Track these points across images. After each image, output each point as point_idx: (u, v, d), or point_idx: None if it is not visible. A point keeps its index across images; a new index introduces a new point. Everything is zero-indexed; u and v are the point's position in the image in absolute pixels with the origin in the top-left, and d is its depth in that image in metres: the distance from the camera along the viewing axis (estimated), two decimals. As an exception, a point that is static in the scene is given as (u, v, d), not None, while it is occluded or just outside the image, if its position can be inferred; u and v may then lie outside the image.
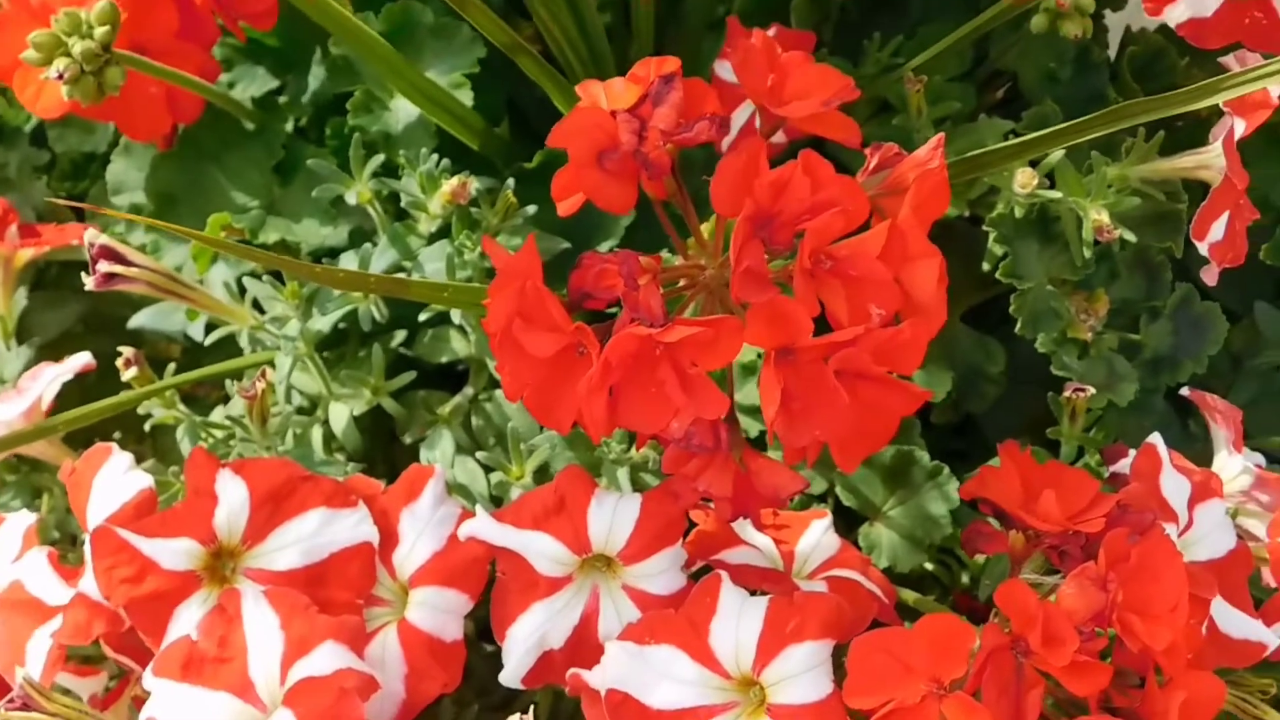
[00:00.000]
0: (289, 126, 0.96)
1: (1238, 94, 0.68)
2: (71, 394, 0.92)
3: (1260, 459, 0.87)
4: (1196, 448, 0.92)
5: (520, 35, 1.00)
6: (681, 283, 0.70)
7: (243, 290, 0.87)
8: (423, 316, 0.86)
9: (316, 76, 0.95)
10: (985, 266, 0.86)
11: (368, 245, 0.86)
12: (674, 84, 0.67)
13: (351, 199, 0.85)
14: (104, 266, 0.78)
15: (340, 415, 0.86)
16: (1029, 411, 0.93)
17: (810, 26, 1.02)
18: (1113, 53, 1.02)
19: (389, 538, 0.74)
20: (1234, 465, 0.84)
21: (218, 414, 0.89)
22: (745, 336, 0.64)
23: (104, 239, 0.78)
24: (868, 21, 1.02)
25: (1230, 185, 0.78)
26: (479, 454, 0.82)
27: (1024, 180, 0.82)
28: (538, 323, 0.65)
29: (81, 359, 0.89)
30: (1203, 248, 0.80)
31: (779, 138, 0.73)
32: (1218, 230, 0.80)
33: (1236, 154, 0.78)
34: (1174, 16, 0.82)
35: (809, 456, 0.67)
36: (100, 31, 0.76)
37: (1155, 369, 0.90)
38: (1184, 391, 0.87)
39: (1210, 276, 0.82)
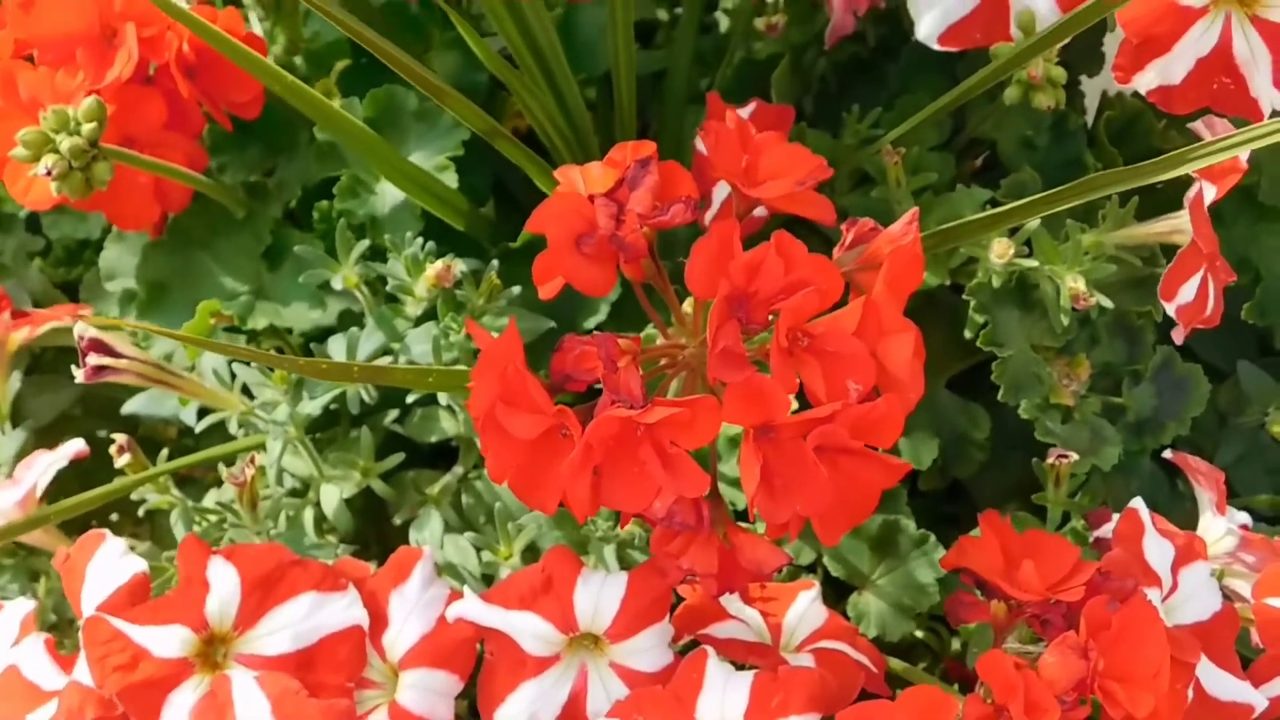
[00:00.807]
0: (278, 210, 0.97)
1: (1206, 163, 0.70)
2: (68, 476, 0.93)
3: (1246, 518, 0.87)
4: (1186, 507, 0.93)
5: (507, 110, 1.03)
6: (663, 361, 0.71)
7: (234, 374, 0.87)
8: (411, 397, 0.87)
9: (304, 160, 0.97)
10: (967, 334, 0.87)
11: (354, 330, 0.87)
12: (650, 168, 0.69)
13: (338, 284, 0.86)
14: (93, 359, 0.79)
15: (331, 497, 0.86)
16: (1016, 475, 0.93)
17: (790, 98, 1.03)
18: (1090, 117, 1.04)
19: (379, 620, 0.75)
20: (1218, 527, 0.84)
21: (212, 496, 0.90)
22: (723, 416, 0.64)
23: (93, 332, 0.79)
24: (847, 92, 1.04)
25: (1196, 249, 0.79)
26: (467, 535, 0.83)
27: (1000, 251, 0.83)
28: (520, 406, 0.66)
29: (75, 446, 0.90)
30: (1171, 309, 0.81)
31: (761, 210, 0.74)
32: (1187, 293, 0.80)
33: (1206, 219, 0.79)
34: (1143, 84, 0.83)
35: (791, 531, 0.67)
36: (87, 128, 0.77)
37: (1139, 432, 0.90)
38: (1167, 454, 0.88)
39: (1178, 337, 0.83)
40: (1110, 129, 0.99)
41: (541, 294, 0.71)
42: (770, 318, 0.65)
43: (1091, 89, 1.04)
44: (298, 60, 1.02)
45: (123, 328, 0.91)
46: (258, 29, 1.27)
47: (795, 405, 0.66)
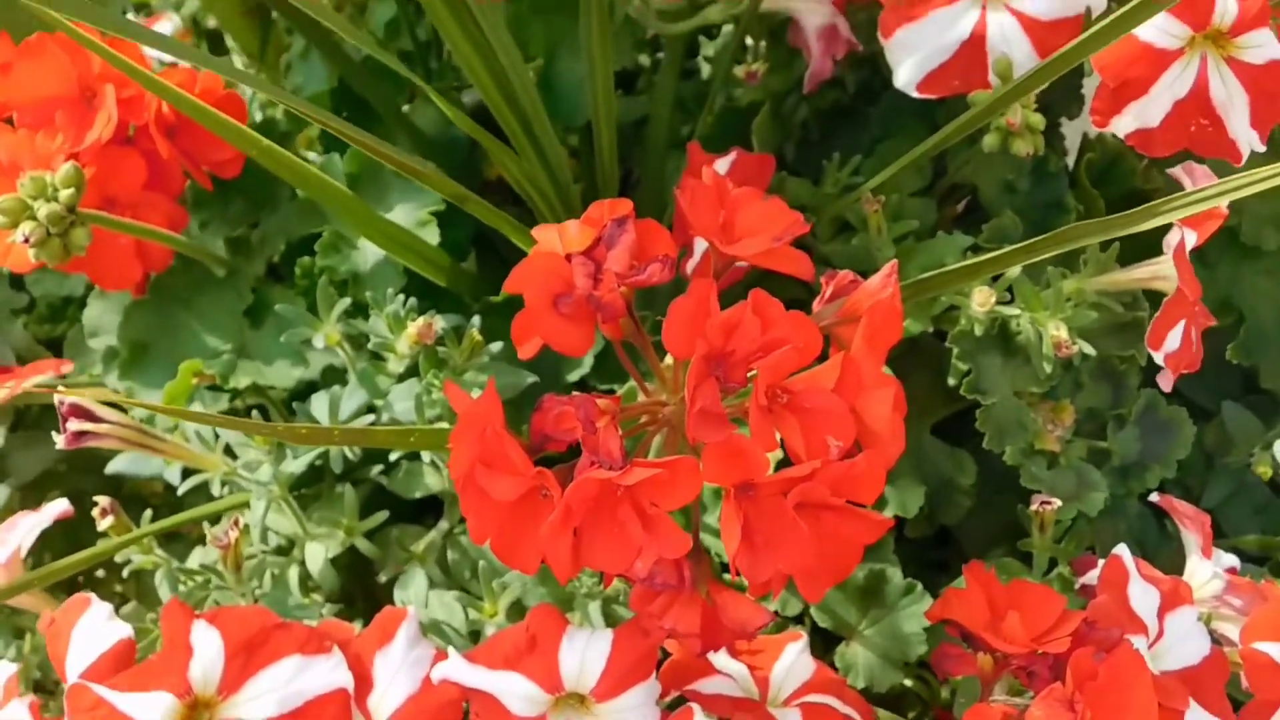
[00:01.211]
0: (262, 265, 0.97)
1: (1183, 214, 0.70)
2: (54, 533, 0.93)
3: (1234, 560, 0.87)
4: (1174, 548, 0.93)
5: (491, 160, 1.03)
6: (644, 418, 0.71)
7: (216, 434, 0.87)
8: (395, 454, 0.87)
9: (287, 215, 0.97)
10: (951, 381, 0.87)
11: (337, 388, 0.87)
12: (626, 226, 0.69)
13: (319, 343, 0.86)
14: (73, 425, 0.79)
15: (316, 556, 0.86)
16: (1004, 520, 0.93)
17: (772, 145, 1.03)
18: (1072, 159, 1.04)
19: (364, 682, 0.74)
20: (1205, 570, 0.84)
21: (198, 554, 0.90)
22: (703, 476, 0.64)
23: (72, 398, 0.79)
24: (829, 138, 1.04)
25: (1183, 296, 0.79)
26: (452, 593, 0.83)
27: (981, 299, 0.83)
28: (499, 468, 0.66)
29: (59, 507, 0.90)
30: (1159, 357, 0.81)
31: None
32: (1174, 340, 0.81)
33: (1188, 264, 0.79)
34: (1121, 127, 0.83)
35: (774, 588, 0.67)
36: (65, 194, 0.77)
37: (1124, 475, 0.90)
38: (1153, 498, 0.88)
39: (1165, 383, 0.83)
40: (1091, 171, 0.99)
41: (521, 354, 0.71)
42: (749, 375, 0.65)
43: (1072, 131, 1.04)
44: (278, 114, 1.01)
45: (103, 388, 0.91)
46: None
47: (781, 455, 0.66)
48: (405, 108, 1.03)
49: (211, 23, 1.37)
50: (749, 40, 1.07)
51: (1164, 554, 0.95)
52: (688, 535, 0.65)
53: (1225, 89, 0.82)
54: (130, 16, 1.47)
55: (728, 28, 1.09)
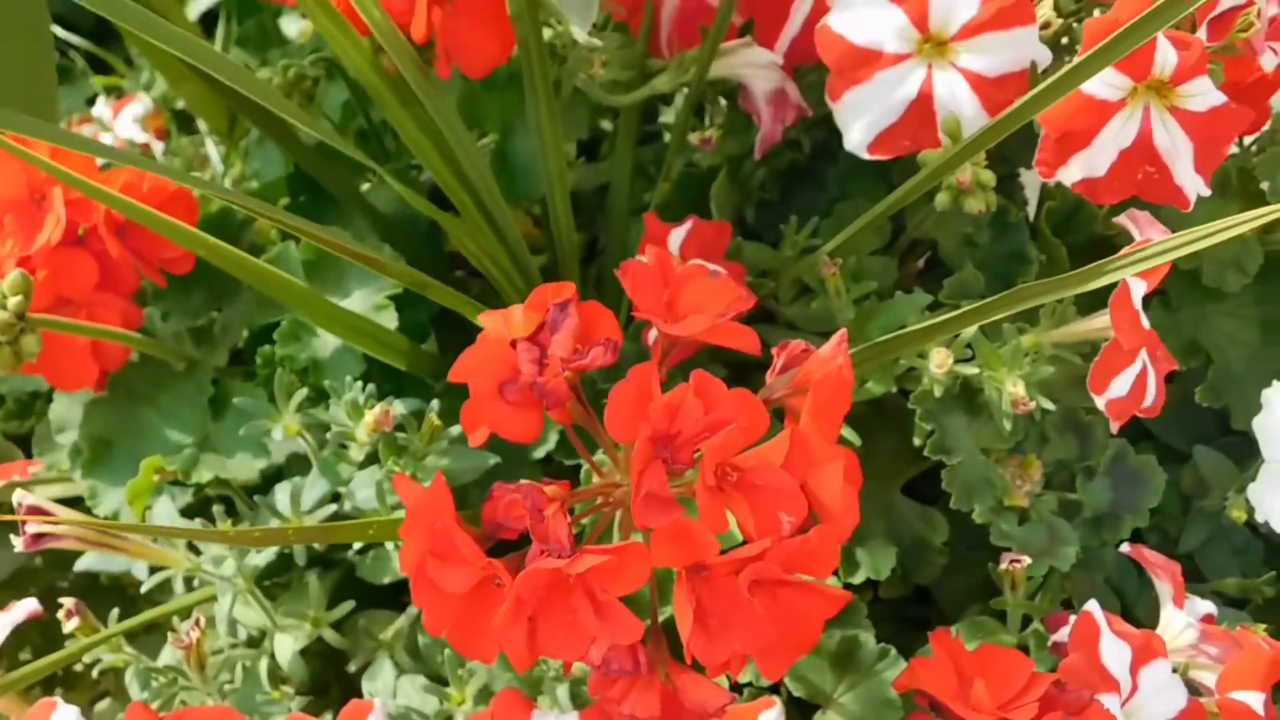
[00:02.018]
0: (224, 354, 0.97)
1: (1124, 275, 0.69)
2: (31, 630, 0.93)
3: (1210, 607, 0.86)
4: (1155, 594, 0.92)
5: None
6: (600, 500, 0.71)
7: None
8: (356, 546, 0.87)
9: (248, 303, 0.97)
10: (916, 442, 0.87)
11: (298, 479, 0.87)
12: (569, 310, 0.69)
13: (278, 434, 0.85)
14: (31, 527, 0.79)
15: (285, 647, 0.86)
16: (980, 576, 0.92)
17: (731, 209, 1.03)
18: (1033, 208, 1.03)
19: (331, 778, 0.74)
20: (1179, 620, 0.83)
21: (168, 652, 0.89)
22: (652, 560, 0.64)
23: (31, 499, 0.78)
24: (788, 200, 1.04)
25: (1118, 345, 0.78)
26: (421, 679, 0.82)
27: (939, 361, 0.83)
28: (450, 559, 0.66)
29: (28, 606, 0.89)
30: (1100, 403, 0.80)
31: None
32: (1119, 387, 0.80)
33: (1129, 315, 0.78)
34: (1068, 177, 0.83)
35: (733, 669, 0.67)
36: (13, 302, 0.77)
37: (1097, 527, 0.90)
38: (1124, 549, 0.87)
39: (1113, 426, 0.82)
40: (1052, 219, 0.99)
41: (471, 441, 0.71)
42: (696, 455, 0.65)
43: (1032, 178, 1.04)
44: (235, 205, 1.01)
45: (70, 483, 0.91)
46: (214, 155, 1.29)
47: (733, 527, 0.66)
48: (365, 186, 1.04)
49: (181, 104, 1.38)
50: (706, 105, 1.08)
51: (1145, 602, 0.95)
52: (639, 621, 0.64)
53: (1169, 137, 0.81)
54: (101, 99, 1.48)
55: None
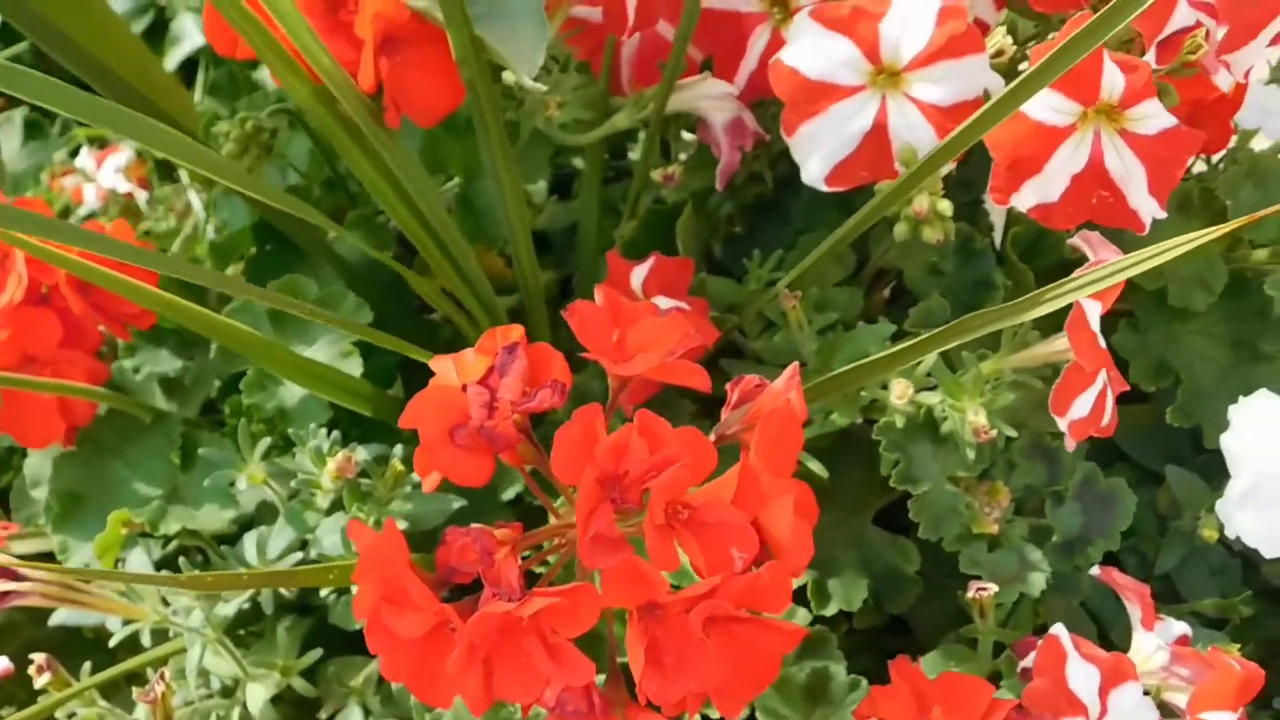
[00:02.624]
0: (196, 405, 0.98)
1: (1064, 301, 0.70)
2: (12, 685, 0.93)
3: (1184, 628, 0.86)
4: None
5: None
6: (557, 541, 0.71)
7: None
8: (324, 591, 0.87)
9: (217, 354, 0.97)
10: (883, 472, 0.87)
11: (264, 528, 0.87)
12: (516, 353, 0.69)
13: (242, 484, 0.86)
14: (-1, 585, 0.80)
15: (256, 697, 0.86)
16: (955, 604, 0.92)
17: (698, 244, 1.03)
18: (1000, 234, 1.03)
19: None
20: (1149, 643, 0.83)
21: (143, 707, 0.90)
22: (603, 601, 0.64)
23: (-2, 559, 0.79)
24: (754, 233, 1.04)
25: (1079, 366, 0.78)
26: (389, 724, 0.83)
27: (900, 391, 0.83)
28: (404, 605, 0.66)
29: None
30: (1063, 424, 0.80)
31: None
32: (1080, 408, 0.80)
33: (1088, 337, 0.78)
34: (1021, 203, 0.83)
35: (689, 708, 0.66)
36: (-30, 362, 0.78)
37: (1069, 552, 0.89)
38: (1094, 571, 0.87)
39: (1069, 444, 0.82)
40: (1018, 245, 0.98)
41: (424, 487, 0.71)
42: (644, 495, 0.65)
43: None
44: (201, 252, 1.02)
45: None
46: (197, 205, 1.29)
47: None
48: (332, 234, 1.04)
49: (162, 153, 1.38)
50: (670, 142, 1.08)
51: (1121, 623, 0.94)
52: (591, 662, 0.64)
53: (1121, 161, 0.82)
54: (85, 150, 1.49)
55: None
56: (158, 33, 1.64)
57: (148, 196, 1.42)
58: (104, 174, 1.44)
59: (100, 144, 1.50)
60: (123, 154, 1.46)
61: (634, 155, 1.15)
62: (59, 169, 1.46)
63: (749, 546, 0.65)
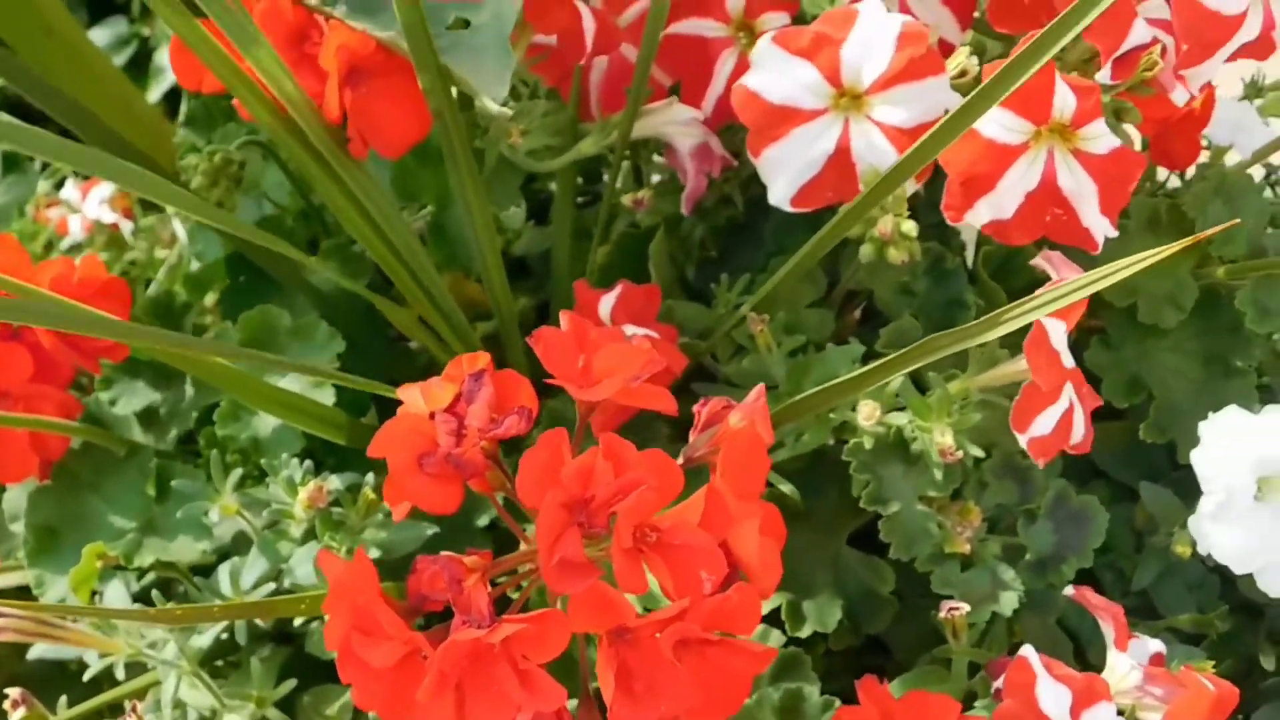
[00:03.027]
0: (174, 437, 0.98)
1: (1026, 320, 0.70)
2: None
3: (1158, 646, 0.86)
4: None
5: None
6: (528, 567, 0.71)
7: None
8: (299, 620, 0.87)
9: (192, 385, 0.98)
10: (854, 493, 0.87)
11: (237, 559, 0.87)
12: (483, 380, 0.69)
13: (214, 515, 0.86)
14: (-33, 622, 0.80)
15: (233, 728, 0.86)
16: (931, 624, 0.92)
17: (671, 268, 1.04)
18: (971, 254, 1.04)
19: None
20: (1123, 663, 0.83)
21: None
22: (572, 626, 0.64)
23: (-33, 594, 0.79)
24: (727, 256, 1.04)
25: (1036, 386, 0.79)
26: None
27: (867, 413, 0.84)
28: (374, 634, 0.66)
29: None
30: (1023, 441, 0.80)
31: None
32: (1043, 425, 0.80)
33: (1046, 353, 0.78)
34: (976, 220, 0.84)
35: (662, 733, 0.67)
36: (-61, 398, 0.78)
37: (1042, 570, 0.89)
38: (1068, 591, 0.87)
39: (1039, 462, 0.82)
40: (990, 264, 0.99)
41: (395, 516, 0.71)
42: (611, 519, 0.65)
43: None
44: (176, 287, 1.03)
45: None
46: (181, 234, 1.30)
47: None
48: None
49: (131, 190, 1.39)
50: (642, 166, 1.09)
51: (1099, 642, 0.94)
52: (562, 688, 0.64)
53: (1074, 179, 0.82)
54: (70, 182, 1.50)
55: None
56: (141, 65, 1.65)
57: (133, 227, 1.42)
58: (89, 205, 1.45)
59: (85, 176, 1.51)
60: (108, 185, 1.47)
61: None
62: (44, 201, 1.47)
63: (717, 568, 0.66)
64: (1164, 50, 0.82)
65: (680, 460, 0.71)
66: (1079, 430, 0.82)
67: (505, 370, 0.70)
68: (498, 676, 0.65)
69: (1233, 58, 0.84)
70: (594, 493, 0.65)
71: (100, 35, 1.66)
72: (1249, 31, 0.83)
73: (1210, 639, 0.97)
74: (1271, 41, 0.87)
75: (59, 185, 1.51)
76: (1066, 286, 0.70)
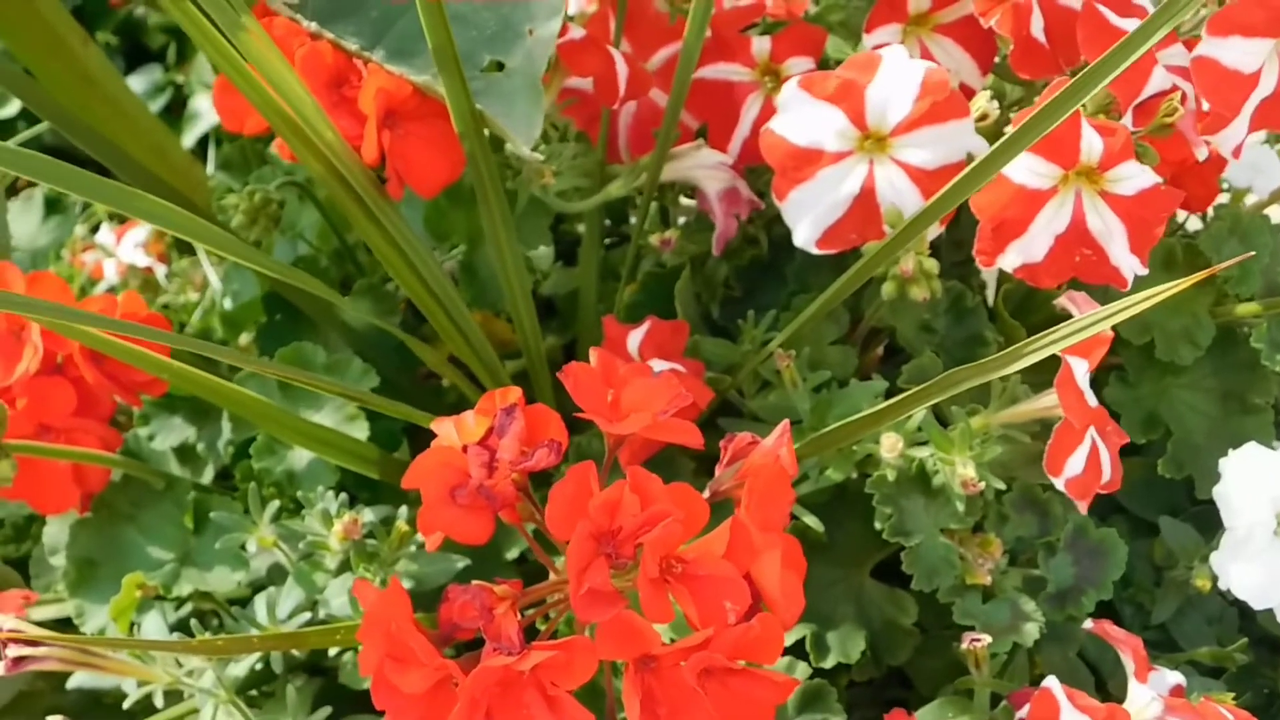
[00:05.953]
0: (211, 471, 1.00)
1: (1046, 353, 0.71)
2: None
3: (1178, 678, 0.87)
4: (1132, 666, 0.93)
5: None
6: (556, 597, 0.73)
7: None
8: (334, 651, 0.89)
9: (226, 422, 1.00)
10: (877, 525, 0.88)
11: (273, 589, 0.89)
12: (515, 414, 0.71)
13: (252, 547, 0.88)
14: (12, 651, 0.81)
15: (267, 756, 0.88)
16: (953, 655, 0.93)
17: (696, 306, 1.06)
18: (991, 292, 1.05)
19: None
20: (1143, 695, 0.84)
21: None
22: (598, 654, 0.66)
23: (11, 622, 0.81)
24: (751, 294, 1.06)
25: (1069, 425, 0.80)
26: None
27: (889, 445, 0.85)
28: (407, 661, 0.68)
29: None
30: (1059, 483, 0.82)
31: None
32: (1076, 465, 0.82)
33: (1075, 392, 0.80)
34: (1007, 264, 0.85)
35: (686, 760, 0.68)
36: (-13, 431, 0.80)
37: (1061, 603, 0.91)
38: (1088, 624, 0.88)
39: (1081, 506, 0.84)
40: (1010, 301, 1.01)
41: (428, 547, 0.73)
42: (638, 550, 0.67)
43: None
44: (214, 323, 1.05)
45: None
46: (213, 278, 1.32)
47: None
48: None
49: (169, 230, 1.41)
50: (669, 208, 1.11)
51: (1120, 674, 0.95)
52: (590, 714, 0.66)
53: (1102, 221, 0.84)
54: (105, 226, 1.53)
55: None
56: (175, 110, 1.68)
57: (166, 270, 1.45)
58: (123, 249, 1.48)
59: (120, 220, 1.54)
60: (142, 229, 1.50)
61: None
62: (79, 245, 1.50)
63: (741, 599, 0.67)
64: (1184, 97, 0.83)
65: (706, 494, 0.73)
66: (1107, 469, 0.84)
67: (536, 405, 0.72)
68: (527, 702, 0.66)
69: (1255, 126, 0.86)
70: (621, 524, 0.67)
71: (136, 83, 1.70)
72: (1266, 87, 0.84)
73: (1230, 672, 0.98)
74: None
75: (94, 230, 1.54)
76: (1082, 321, 0.72)
